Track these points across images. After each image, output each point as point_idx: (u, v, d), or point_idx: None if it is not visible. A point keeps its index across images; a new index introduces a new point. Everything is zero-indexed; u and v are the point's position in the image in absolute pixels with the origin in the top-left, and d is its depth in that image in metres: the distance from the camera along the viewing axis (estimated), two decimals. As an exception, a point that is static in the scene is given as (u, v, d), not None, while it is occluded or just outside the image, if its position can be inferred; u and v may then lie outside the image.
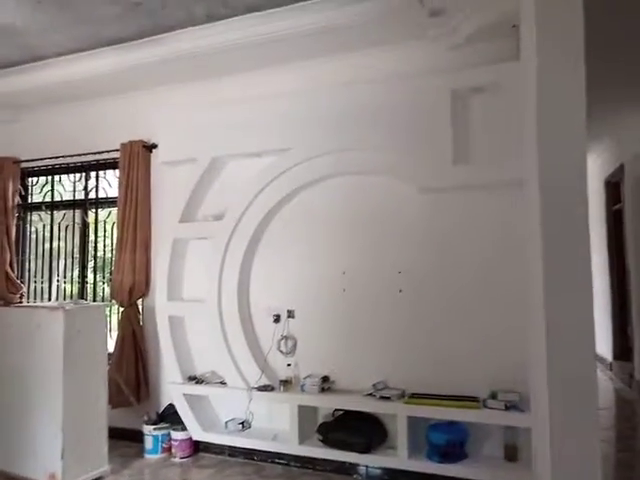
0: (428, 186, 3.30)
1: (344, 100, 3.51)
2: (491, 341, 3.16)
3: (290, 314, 3.72)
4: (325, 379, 3.52)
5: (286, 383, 3.56)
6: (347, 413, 3.40)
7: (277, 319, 3.73)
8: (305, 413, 3.47)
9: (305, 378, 3.52)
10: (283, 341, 3.70)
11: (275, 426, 3.63)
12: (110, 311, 4.48)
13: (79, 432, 3.28)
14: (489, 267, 3.20)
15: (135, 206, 4.15)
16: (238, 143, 3.76)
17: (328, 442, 3.33)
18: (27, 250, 4.97)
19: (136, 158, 4.17)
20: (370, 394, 3.30)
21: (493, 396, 3.03)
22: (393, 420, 3.23)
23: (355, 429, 3.29)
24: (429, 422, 3.15)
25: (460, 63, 3.27)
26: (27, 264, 4.94)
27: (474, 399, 3.08)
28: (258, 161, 3.76)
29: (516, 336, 3.05)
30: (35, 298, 4.88)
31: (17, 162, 4.81)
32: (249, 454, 3.70)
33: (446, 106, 3.21)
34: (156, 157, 4.17)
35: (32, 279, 4.93)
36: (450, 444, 3.01)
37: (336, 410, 3.47)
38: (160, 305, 3.93)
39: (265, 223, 3.75)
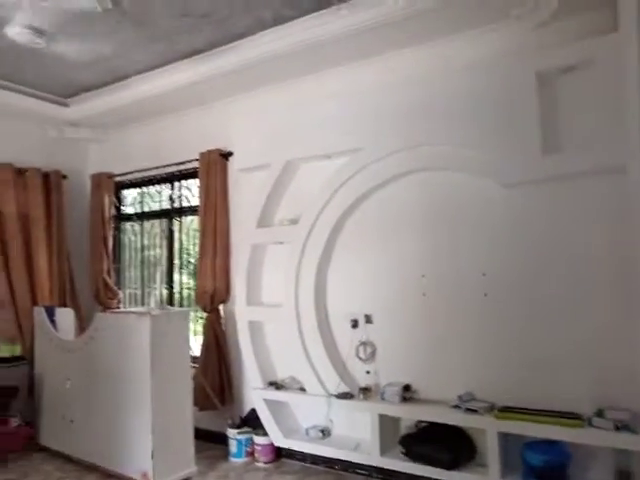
0: (514, 180, 3.01)
1: (417, 94, 3.31)
2: (593, 350, 2.81)
3: (368, 319, 3.59)
4: (407, 388, 3.34)
5: (366, 391, 3.43)
6: (432, 425, 3.20)
7: (355, 324, 3.61)
8: (386, 423, 3.32)
9: (385, 386, 3.37)
10: (362, 347, 3.58)
11: (356, 435, 3.52)
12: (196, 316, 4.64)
13: (167, 433, 3.39)
14: (587, 265, 2.85)
15: (214, 213, 4.25)
16: (310, 146, 3.71)
17: (411, 455, 3.15)
18: (122, 258, 5.30)
19: (214, 166, 4.27)
20: (455, 406, 3.08)
21: (599, 414, 2.68)
22: (482, 435, 2.98)
23: (441, 443, 3.08)
24: (524, 440, 2.86)
25: (546, 42, 2.95)
26: (123, 271, 5.27)
27: (576, 416, 2.74)
28: (331, 163, 3.68)
29: (624, 344, 2.68)
30: (130, 303, 5.20)
31: (111, 177, 5.16)
32: (330, 463, 3.62)
33: (531, 91, 2.91)
34: (233, 164, 4.25)
35: (127, 285, 5.26)
36: (549, 466, 2.71)
37: (419, 421, 3.28)
38: (240, 310, 3.98)
39: (340, 226, 3.66)
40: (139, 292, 5.15)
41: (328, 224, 3.62)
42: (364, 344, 3.58)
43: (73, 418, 3.87)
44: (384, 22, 3.08)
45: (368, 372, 3.53)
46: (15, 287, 4.56)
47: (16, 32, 2.66)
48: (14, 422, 4.27)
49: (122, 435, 3.49)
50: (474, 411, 2.98)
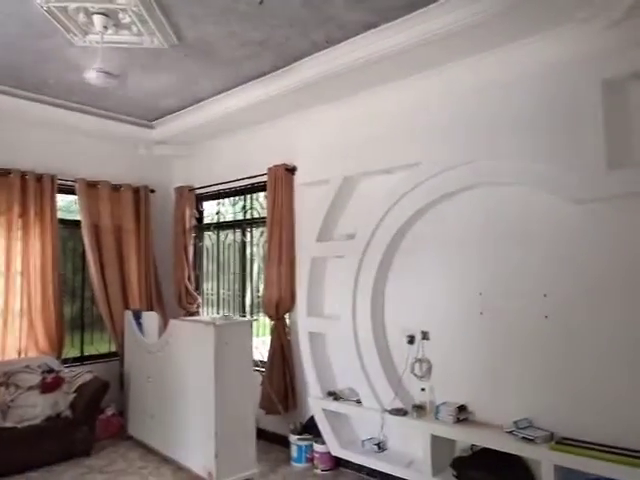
0: (577, 196, 2.81)
1: (475, 106, 3.22)
2: (669, 384, 2.55)
3: (424, 336, 3.55)
4: (462, 408, 3.26)
5: (419, 409, 3.40)
6: (487, 450, 3.09)
7: (411, 340, 3.59)
8: (440, 442, 3.26)
9: (440, 405, 3.31)
10: (417, 364, 3.54)
11: (411, 451, 3.50)
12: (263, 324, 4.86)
13: (230, 436, 3.61)
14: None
15: (280, 226, 4.43)
16: (367, 161, 3.74)
17: (463, 479, 3.07)
18: (201, 266, 5.70)
19: (280, 181, 4.45)
20: (511, 432, 2.95)
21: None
22: (541, 466, 2.82)
23: (494, 470, 2.97)
24: (587, 476, 2.67)
25: (614, 46, 2.70)
26: (202, 278, 5.67)
27: (645, 456, 2.51)
28: (389, 178, 3.68)
29: None
30: (208, 307, 5.58)
31: (192, 190, 5.58)
32: (386, 477, 3.62)
33: (597, 100, 2.70)
34: (297, 179, 4.40)
35: (206, 291, 5.65)
36: (609, 507, 2.51)
37: (475, 445, 3.18)
38: (301, 321, 4.12)
39: (397, 241, 3.65)
40: (215, 297, 5.50)
41: (384, 240, 3.63)
42: (420, 361, 3.54)
43: (153, 413, 4.27)
44: (442, 35, 3.00)
45: (423, 389, 3.48)
46: (109, 291, 5.10)
47: (92, 76, 3.02)
48: (109, 411, 4.83)
49: (191, 434, 3.78)
50: (530, 440, 2.83)
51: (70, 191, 4.98)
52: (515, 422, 2.96)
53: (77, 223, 5.01)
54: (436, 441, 3.24)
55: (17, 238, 4.56)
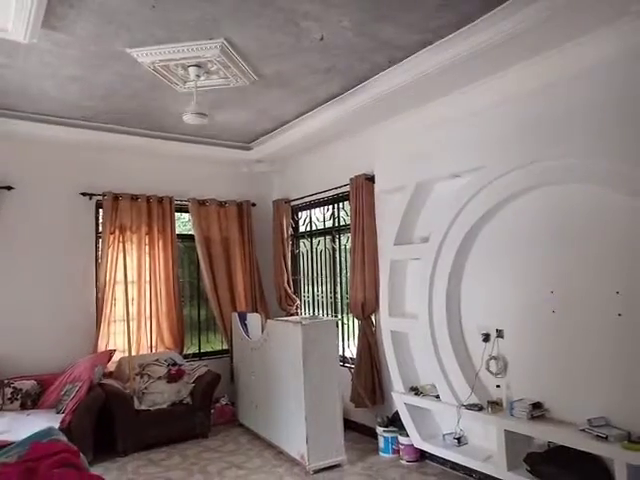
0: (643, 190, 2.75)
1: (536, 108, 3.28)
2: None
3: (499, 334, 3.63)
4: (537, 405, 3.30)
5: (495, 405, 3.50)
6: (562, 447, 3.11)
7: (486, 338, 3.69)
8: (516, 438, 3.33)
9: (514, 402, 3.39)
10: (493, 361, 3.64)
11: (489, 446, 3.60)
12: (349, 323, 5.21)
13: (319, 424, 4.02)
14: None
15: (362, 232, 4.75)
16: (437, 167, 3.93)
17: (536, 474, 3.13)
18: (299, 271, 6.22)
19: (361, 189, 4.78)
20: (584, 430, 2.95)
21: None
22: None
23: (569, 466, 3.00)
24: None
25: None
26: (299, 282, 6.19)
27: None
28: (458, 182, 3.83)
29: None
30: (306, 309, 6.08)
31: (288, 202, 6.13)
32: (468, 471, 3.76)
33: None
34: (376, 187, 4.69)
35: (303, 294, 6.16)
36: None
37: (551, 442, 3.21)
38: (383, 320, 4.40)
39: (469, 242, 3.78)
40: (311, 299, 5.98)
41: (455, 242, 3.78)
42: (495, 358, 3.63)
43: (257, 404, 4.84)
44: (497, 43, 3.09)
45: (498, 386, 3.57)
46: (220, 295, 5.82)
47: (188, 118, 3.63)
48: (223, 401, 5.53)
49: (287, 421, 4.26)
50: (603, 438, 2.82)
51: (184, 209, 5.80)
52: (589, 420, 2.96)
53: (191, 237, 5.82)
54: (511, 437, 3.32)
55: (145, 252, 5.45)
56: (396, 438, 4.25)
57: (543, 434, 3.19)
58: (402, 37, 3.20)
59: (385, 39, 3.23)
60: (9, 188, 4.83)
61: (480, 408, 3.55)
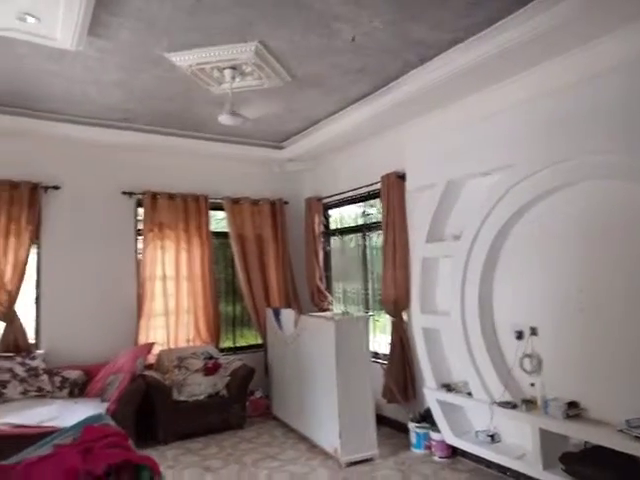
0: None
1: (566, 104, 3.23)
2: None
3: (533, 331, 3.60)
4: (572, 404, 3.27)
5: (529, 403, 3.48)
6: (598, 447, 3.08)
7: (520, 336, 3.67)
8: (551, 437, 3.31)
9: (549, 400, 3.36)
10: (526, 359, 3.61)
11: (523, 444, 3.58)
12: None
13: (351, 418, 4.09)
14: None
15: (393, 229, 4.78)
16: (467, 164, 3.91)
17: (572, 474, 3.10)
18: (330, 267, 6.29)
19: (392, 187, 4.80)
20: (621, 430, 2.91)
21: None
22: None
23: (606, 466, 2.96)
24: None
25: None
26: (331, 278, 6.27)
27: None
28: (488, 180, 3.81)
29: None
30: (338, 304, 6.15)
31: (320, 199, 6.21)
32: (502, 468, 3.75)
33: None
34: (407, 185, 4.70)
35: (335, 290, 6.23)
36: None
37: (588, 442, 3.18)
38: (415, 317, 4.42)
39: (500, 240, 3.76)
40: (342, 295, 6.04)
41: (487, 239, 3.77)
42: (529, 356, 3.60)
43: (291, 397, 4.94)
44: (529, 39, 3.09)
45: (532, 384, 3.55)
46: (254, 291, 5.95)
47: (224, 118, 3.75)
48: (258, 394, 5.67)
49: (320, 415, 4.34)
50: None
51: (219, 207, 5.96)
52: (627, 421, 2.92)
53: (225, 234, 5.97)
54: (546, 435, 3.30)
55: (182, 249, 5.63)
56: (428, 434, 4.27)
57: (579, 434, 3.16)
58: (433, 36, 3.21)
59: (416, 38, 3.25)
60: (57, 188, 5.09)
61: (514, 406, 3.54)
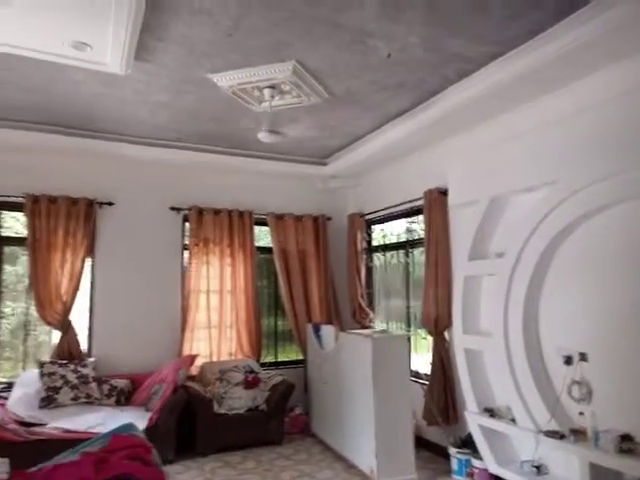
0: None
1: (613, 118, 3.07)
2: None
3: (582, 357, 3.38)
4: (626, 437, 3.03)
5: (578, 433, 3.26)
6: (656, 485, 2.83)
7: (568, 361, 3.45)
8: (602, 473, 3.08)
9: (600, 432, 3.13)
10: (575, 386, 3.39)
11: (573, 478, 3.35)
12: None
13: (388, 439, 3.98)
14: None
15: (436, 246, 4.67)
16: (510, 181, 3.78)
17: (624, 513, 2.86)
18: (372, 284, 6.22)
19: (434, 203, 4.71)
20: (680, 468, 2.66)
21: None
22: None
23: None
24: None
25: None
26: (373, 295, 6.19)
27: None
28: (533, 196, 3.66)
29: None
30: (380, 322, 6.05)
31: (362, 216, 6.18)
32: (548, 501, 3.52)
33: None
34: (450, 201, 4.59)
35: (377, 307, 6.14)
36: None
37: (644, 478, 2.93)
38: (456, 337, 4.28)
39: (547, 259, 3.58)
40: (384, 313, 5.95)
41: (533, 258, 3.60)
42: (578, 383, 3.38)
43: (329, 415, 4.89)
44: (571, 50, 2.97)
45: (581, 413, 3.32)
46: (296, 307, 5.98)
47: (263, 136, 3.82)
48: (297, 410, 5.65)
49: (358, 434, 4.26)
50: (702, 479, 2.53)
51: (263, 223, 6.05)
52: (687, 458, 2.67)
53: (270, 249, 6.05)
54: (596, 470, 3.07)
55: (227, 263, 5.76)
56: (470, 461, 4.09)
57: (634, 470, 2.92)
58: (471, 49, 3.15)
59: (454, 52, 3.20)
60: (111, 204, 5.36)
61: (562, 436, 3.32)
